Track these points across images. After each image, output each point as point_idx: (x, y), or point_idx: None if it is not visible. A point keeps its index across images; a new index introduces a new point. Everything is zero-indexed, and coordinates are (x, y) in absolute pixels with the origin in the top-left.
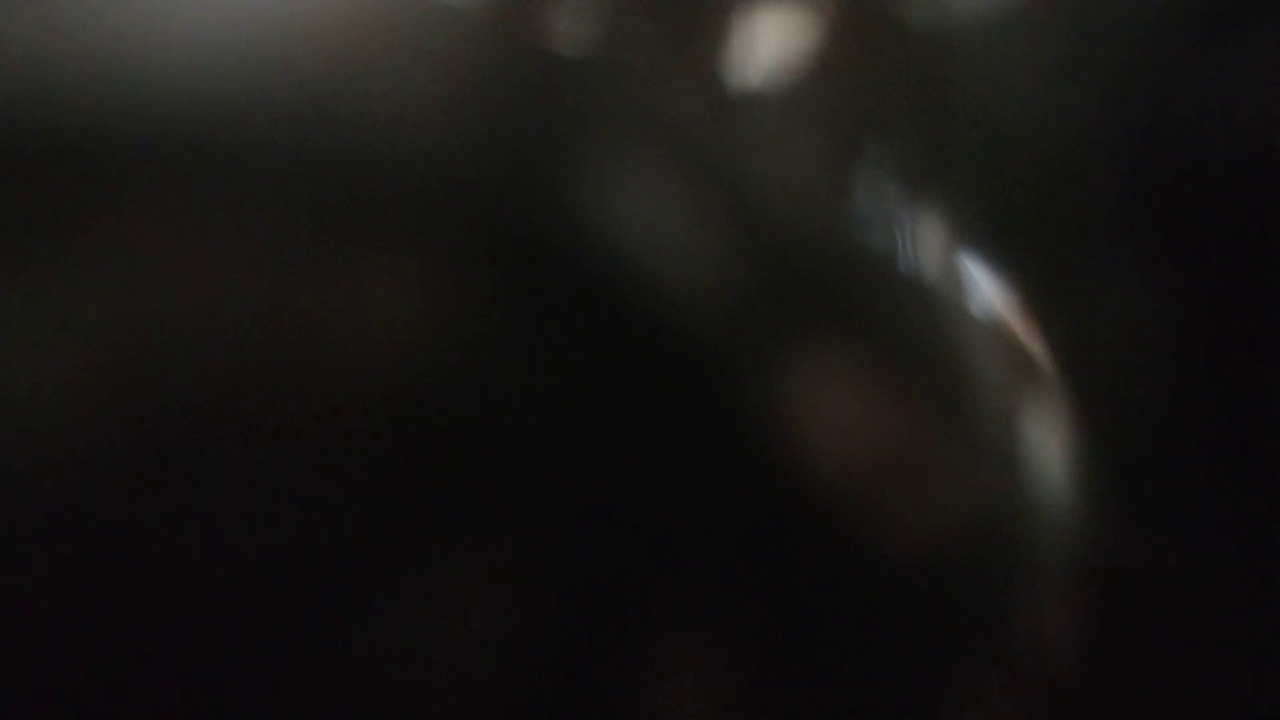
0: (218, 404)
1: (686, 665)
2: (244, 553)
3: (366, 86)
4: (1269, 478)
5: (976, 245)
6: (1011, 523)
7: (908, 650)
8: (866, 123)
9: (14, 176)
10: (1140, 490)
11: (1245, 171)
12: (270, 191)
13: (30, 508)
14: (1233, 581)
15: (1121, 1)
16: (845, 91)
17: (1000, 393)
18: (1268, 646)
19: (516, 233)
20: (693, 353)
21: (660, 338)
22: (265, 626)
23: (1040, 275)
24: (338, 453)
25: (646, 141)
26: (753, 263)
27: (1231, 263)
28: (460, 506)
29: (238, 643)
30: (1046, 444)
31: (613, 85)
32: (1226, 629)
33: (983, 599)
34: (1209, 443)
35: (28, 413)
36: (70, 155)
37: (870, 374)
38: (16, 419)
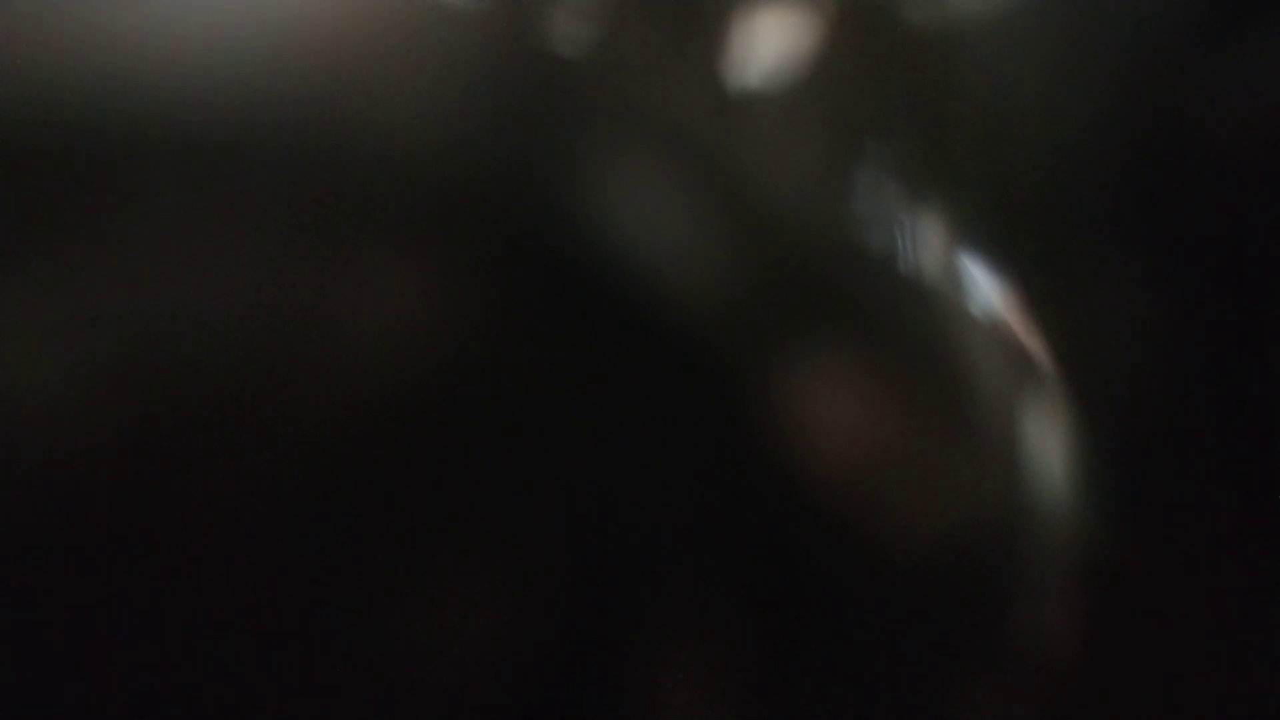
0: (217, 403)
1: (686, 666)
2: (243, 551)
3: (366, 86)
4: (1269, 478)
5: (976, 245)
6: (1011, 522)
7: (908, 650)
8: (866, 123)
9: (14, 176)
10: (1140, 490)
11: (1245, 171)
12: (270, 191)
13: (31, 505)
14: (1233, 581)
15: (1122, 1)
16: (845, 91)
17: (1000, 393)
18: (1268, 646)
19: (516, 233)
20: (692, 352)
21: (660, 338)
22: (264, 626)
23: (1040, 275)
24: (338, 452)
25: (646, 141)
26: (752, 262)
27: (1232, 262)
28: (459, 506)
29: (237, 642)
30: (1046, 444)
31: (613, 85)
32: (1226, 629)
33: (983, 599)
34: (1209, 443)
35: (27, 411)
36: (70, 155)
37: (870, 374)
38: (16, 417)
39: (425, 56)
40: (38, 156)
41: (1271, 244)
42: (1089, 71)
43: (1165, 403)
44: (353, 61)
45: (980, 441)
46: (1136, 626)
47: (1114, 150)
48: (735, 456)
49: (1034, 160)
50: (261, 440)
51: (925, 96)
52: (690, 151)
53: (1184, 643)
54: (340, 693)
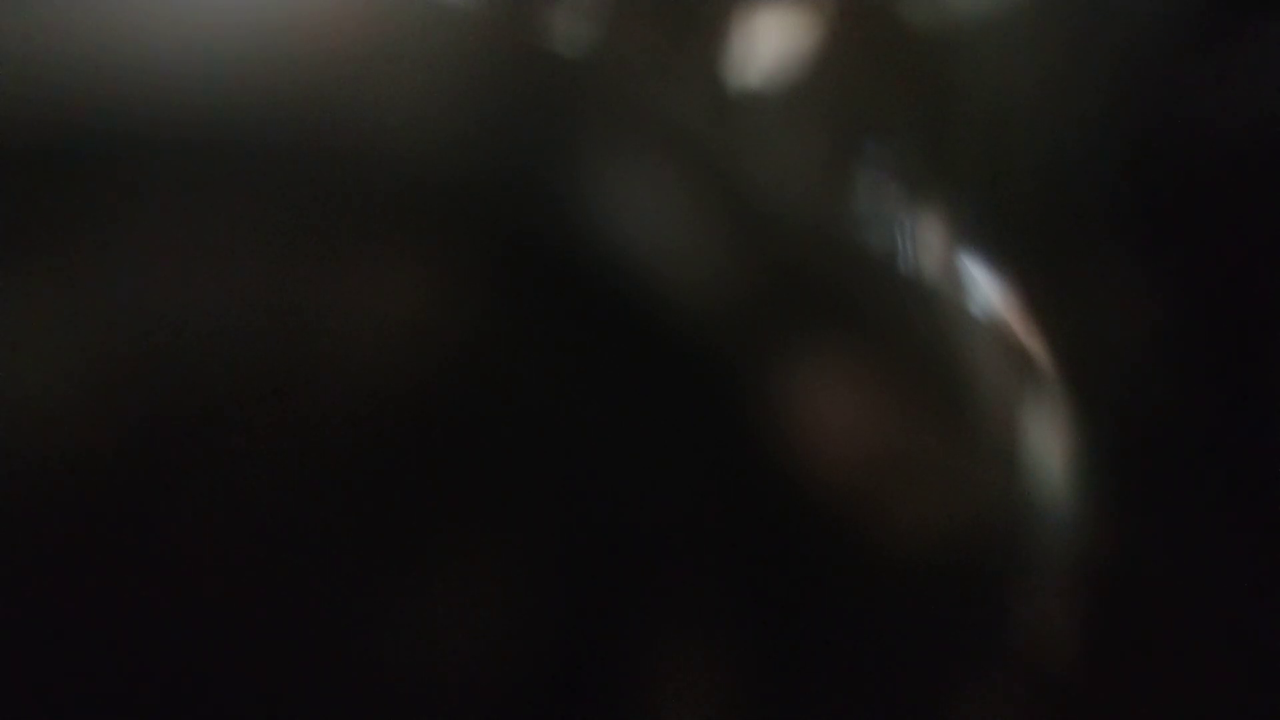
0: (216, 403)
1: (687, 666)
2: (244, 550)
3: (366, 86)
4: (1269, 478)
5: (976, 245)
6: (1011, 523)
7: (908, 650)
8: (866, 123)
9: (13, 176)
10: (1140, 490)
11: (1245, 171)
12: (269, 191)
13: (31, 507)
14: (1233, 581)
15: (1121, 1)
16: (845, 91)
17: (1000, 393)
18: (1268, 646)
19: (516, 233)
20: (692, 352)
21: (660, 338)
22: (264, 625)
23: (1040, 275)
24: (337, 452)
25: (646, 141)
26: (752, 263)
27: (1231, 262)
28: (459, 506)
29: (237, 641)
30: (1046, 444)
31: (613, 85)
32: (1226, 629)
33: (983, 599)
34: (1209, 442)
35: (28, 410)
36: (70, 155)
37: (870, 374)
38: (16, 418)
39: (425, 56)
40: (38, 156)
41: (1272, 244)
42: (1089, 71)
43: (1165, 403)
44: (352, 61)
45: (980, 441)
46: (1136, 626)
47: (1114, 150)
48: (735, 456)
49: (1034, 160)
50: (261, 440)
51: (925, 96)
52: (690, 151)
53: (1184, 643)
54: (341, 692)
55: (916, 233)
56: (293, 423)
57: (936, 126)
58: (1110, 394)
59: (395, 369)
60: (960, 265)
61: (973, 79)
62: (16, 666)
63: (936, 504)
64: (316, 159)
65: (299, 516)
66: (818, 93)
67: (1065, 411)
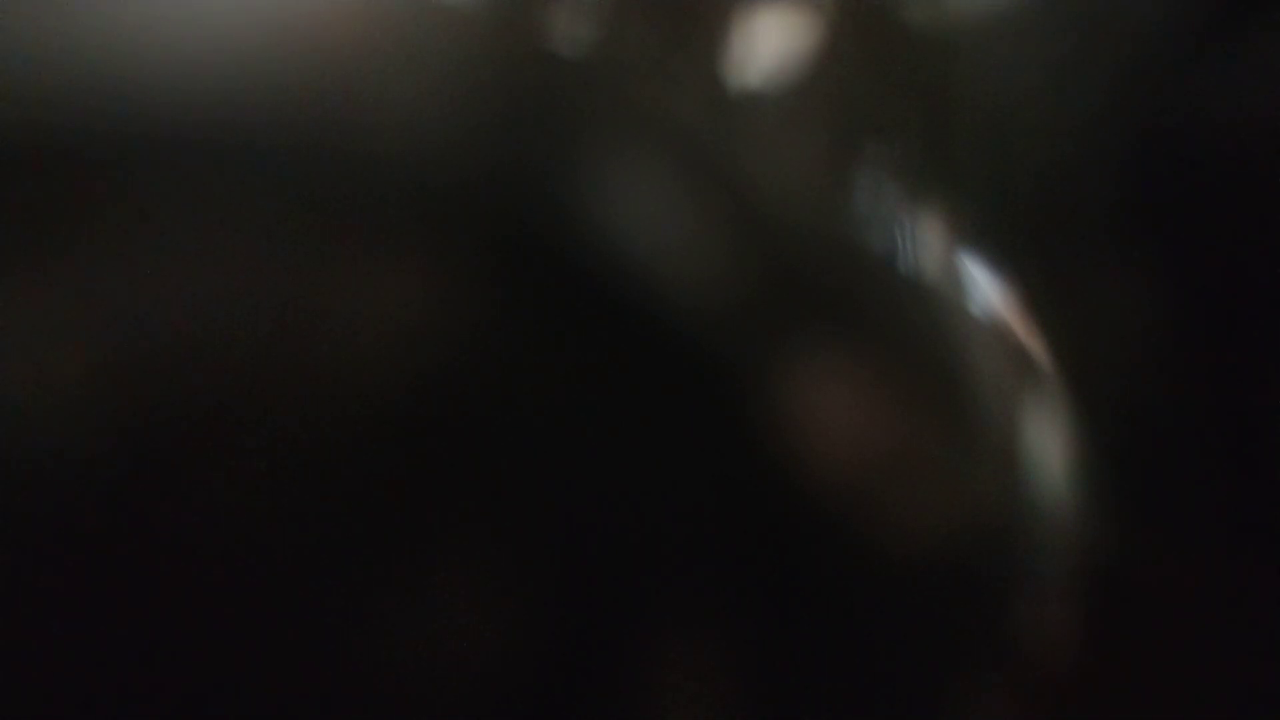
0: (215, 403)
1: (687, 666)
2: (242, 552)
3: (366, 86)
4: (1269, 478)
5: (976, 245)
6: (1011, 523)
7: (908, 651)
8: (866, 123)
9: (13, 176)
10: (1140, 490)
11: (1245, 171)
12: (270, 191)
13: (30, 507)
14: (1233, 581)
15: (1122, 1)
16: (845, 91)
17: (1000, 393)
18: (1268, 646)
19: (516, 233)
20: (692, 352)
21: (660, 338)
22: (264, 625)
23: (1040, 275)
24: (336, 452)
25: (646, 142)
26: (752, 263)
27: (1231, 263)
28: (458, 507)
29: (235, 641)
30: (1046, 444)
31: (613, 85)
32: (1226, 629)
33: (983, 599)
34: (1209, 443)
35: (27, 410)
36: (70, 155)
37: (870, 374)
38: (15, 418)
39: (425, 57)
40: (39, 156)
41: (1271, 244)
42: (1089, 72)
43: (1165, 403)
44: (353, 61)
45: (980, 441)
46: (1136, 626)
47: (1114, 150)
48: (735, 456)
49: (1034, 160)
50: (261, 440)
51: (925, 96)
52: (690, 152)
53: (1184, 643)
54: (340, 694)
55: (916, 233)
56: (293, 423)
57: (936, 126)
58: (1110, 394)
59: (396, 369)
60: (960, 265)
61: (973, 79)
62: (15, 668)
63: (936, 504)
64: (316, 160)
65: (299, 517)
66: (818, 93)
67: (1065, 411)
